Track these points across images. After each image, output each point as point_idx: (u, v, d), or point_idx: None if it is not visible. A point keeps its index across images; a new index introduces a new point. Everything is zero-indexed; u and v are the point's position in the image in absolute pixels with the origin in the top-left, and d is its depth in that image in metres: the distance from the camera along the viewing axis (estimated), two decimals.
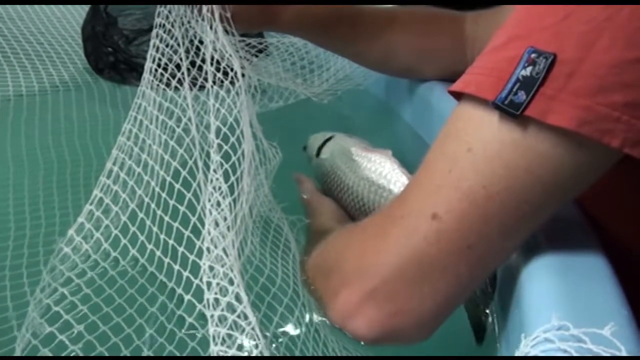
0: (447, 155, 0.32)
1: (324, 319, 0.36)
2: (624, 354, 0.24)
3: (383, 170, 0.49)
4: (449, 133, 0.33)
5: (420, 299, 0.32)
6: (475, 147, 0.30)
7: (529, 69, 0.28)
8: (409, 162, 0.56)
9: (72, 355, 0.33)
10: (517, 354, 0.26)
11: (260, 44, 0.67)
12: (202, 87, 0.41)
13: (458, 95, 0.33)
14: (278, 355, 0.34)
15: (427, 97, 0.62)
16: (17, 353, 0.33)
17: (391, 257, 0.32)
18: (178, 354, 0.34)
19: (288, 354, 0.34)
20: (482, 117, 0.30)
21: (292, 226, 0.45)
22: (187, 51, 0.42)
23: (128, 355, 0.34)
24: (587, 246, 0.33)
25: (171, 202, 0.36)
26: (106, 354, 0.33)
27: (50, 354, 0.33)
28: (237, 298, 0.29)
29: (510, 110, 0.28)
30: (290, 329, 0.36)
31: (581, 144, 0.28)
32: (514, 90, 0.28)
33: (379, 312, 0.33)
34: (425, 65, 0.61)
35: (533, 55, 0.28)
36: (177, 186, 0.36)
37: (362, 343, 0.34)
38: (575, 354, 0.24)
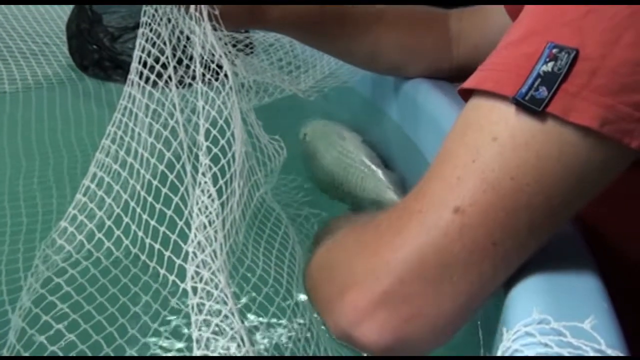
0: (469, 145, 0.29)
1: (324, 327, 0.33)
2: (603, 347, 0.24)
3: (350, 149, 0.57)
4: (468, 123, 0.30)
5: (439, 300, 0.30)
6: (502, 136, 0.28)
7: (551, 64, 0.27)
8: (395, 159, 0.57)
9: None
10: (500, 348, 0.26)
11: (247, 38, 0.67)
12: (190, 85, 0.40)
13: (466, 94, 0.31)
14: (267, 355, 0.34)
15: (413, 95, 0.63)
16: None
17: (409, 254, 0.30)
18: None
19: (277, 355, 0.34)
20: (506, 110, 0.28)
21: (292, 222, 0.45)
22: (174, 49, 0.42)
23: (112, 355, 0.33)
24: (569, 240, 0.34)
25: (157, 207, 0.35)
26: (88, 354, 0.33)
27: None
28: (223, 302, 0.28)
29: (532, 106, 0.27)
30: (281, 329, 0.35)
31: (602, 143, 0.27)
32: (535, 85, 0.27)
33: (393, 316, 0.30)
34: (411, 63, 0.61)
35: (554, 51, 0.27)
36: (164, 190, 0.35)
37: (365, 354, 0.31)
38: (555, 348, 0.24)
